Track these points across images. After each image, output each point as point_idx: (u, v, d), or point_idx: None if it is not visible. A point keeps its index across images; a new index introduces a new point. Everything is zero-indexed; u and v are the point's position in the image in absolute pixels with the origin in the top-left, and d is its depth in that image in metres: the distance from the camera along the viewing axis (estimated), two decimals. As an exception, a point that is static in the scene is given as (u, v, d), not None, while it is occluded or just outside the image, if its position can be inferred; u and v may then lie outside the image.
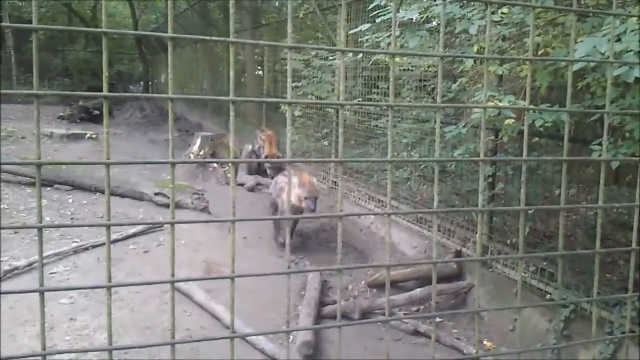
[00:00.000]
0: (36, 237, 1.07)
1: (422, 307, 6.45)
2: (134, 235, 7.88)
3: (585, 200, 6.21)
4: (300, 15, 11.69)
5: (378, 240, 8.16)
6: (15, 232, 7.23)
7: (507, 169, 6.49)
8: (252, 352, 5.25)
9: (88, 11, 30.97)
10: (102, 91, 1.13)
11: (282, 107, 10.85)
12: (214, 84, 21.03)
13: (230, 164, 1.29)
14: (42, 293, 1.06)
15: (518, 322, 1.51)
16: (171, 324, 1.24)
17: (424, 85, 8.73)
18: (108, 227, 1.11)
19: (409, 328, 5.93)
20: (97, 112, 18.19)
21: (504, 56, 5.52)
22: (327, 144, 11.00)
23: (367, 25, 5.81)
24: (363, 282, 7.09)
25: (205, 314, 5.91)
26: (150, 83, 33.24)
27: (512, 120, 4.94)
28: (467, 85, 6.12)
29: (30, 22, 1.11)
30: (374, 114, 9.35)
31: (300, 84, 10.87)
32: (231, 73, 1.25)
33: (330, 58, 9.96)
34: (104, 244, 6.95)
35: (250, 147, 13.45)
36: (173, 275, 1.21)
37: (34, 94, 1.04)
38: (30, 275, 6.36)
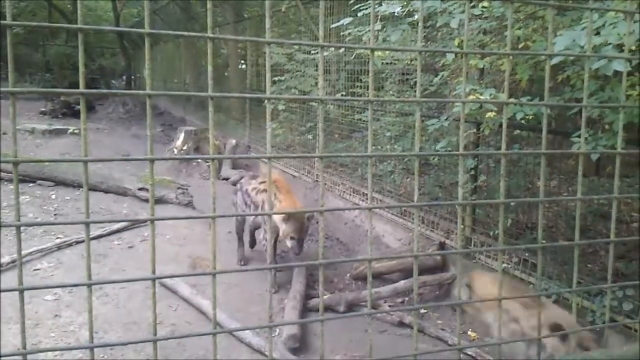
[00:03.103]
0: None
1: (406, 298, 6.49)
2: (118, 230, 7.84)
3: (567, 192, 6.28)
4: (283, 9, 11.65)
5: (362, 233, 8.19)
6: (-3, 229, 7.15)
7: (489, 161, 6.54)
8: (239, 345, 5.26)
9: (69, 5, 30.58)
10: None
11: (265, 101, 10.70)
12: (197, 78, 20.92)
13: (211, 160, 1.29)
14: (21, 292, 1.06)
15: (499, 313, 1.54)
16: (153, 320, 1.25)
17: (407, 79, 8.74)
18: (87, 224, 1.12)
19: (394, 319, 5.97)
20: (79, 107, 17.91)
21: (483, 50, 5.55)
22: (311, 137, 10.99)
23: (348, 19, 5.81)
24: (348, 275, 7.12)
25: (191, 309, 5.91)
26: (132, 77, 32.95)
27: (494, 113, 4.97)
28: (448, 78, 6.14)
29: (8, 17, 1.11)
30: (357, 107, 9.36)
31: (283, 78, 10.83)
32: (209, 69, 1.25)
33: (313, 52, 9.95)
34: (87, 240, 6.92)
35: (234, 141, 13.41)
36: (154, 273, 1.21)
37: (10, 92, 1.04)
38: (13, 272, 6.32)
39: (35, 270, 6.51)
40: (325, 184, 9.35)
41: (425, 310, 6.22)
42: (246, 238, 7.49)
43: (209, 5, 1.23)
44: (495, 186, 6.53)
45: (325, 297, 6.15)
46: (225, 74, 17.49)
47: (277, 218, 6.51)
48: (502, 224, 1.61)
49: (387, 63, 8.66)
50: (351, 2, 6.42)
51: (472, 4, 4.92)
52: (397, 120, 8.48)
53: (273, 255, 7.05)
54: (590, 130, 4.55)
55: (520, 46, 5.02)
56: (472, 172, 6.49)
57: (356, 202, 8.78)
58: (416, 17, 5.54)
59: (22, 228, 1.07)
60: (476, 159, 6.32)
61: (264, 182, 7.11)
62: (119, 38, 30.88)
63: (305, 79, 10.60)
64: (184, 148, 13.06)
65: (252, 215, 1.66)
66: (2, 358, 1.12)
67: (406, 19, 5.68)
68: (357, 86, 9.37)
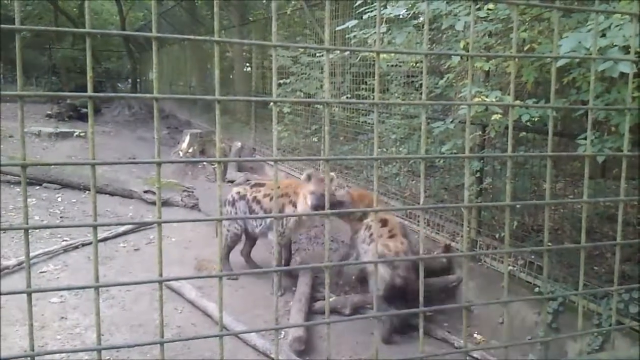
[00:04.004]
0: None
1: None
2: (124, 233, 7.88)
3: (573, 194, 6.26)
4: (288, 12, 11.67)
5: (368, 235, 8.18)
6: (4, 232, 7.20)
7: (495, 163, 6.52)
8: (244, 348, 5.26)
9: (75, 9, 30.68)
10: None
11: (270, 104, 10.65)
12: (202, 81, 20.95)
13: (217, 163, 1.29)
14: (29, 294, 1.07)
15: (506, 316, 1.53)
16: (160, 322, 1.25)
17: (412, 81, 8.74)
18: (95, 227, 1.12)
19: (399, 322, 5.97)
20: (85, 110, 18.07)
21: (489, 53, 5.54)
22: (316, 140, 11.00)
23: (354, 22, 5.82)
24: (354, 277, 7.11)
25: (196, 311, 5.92)
26: (138, 80, 33.03)
27: (499, 116, 4.96)
28: (454, 81, 6.14)
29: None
30: (362, 110, 9.36)
31: (288, 81, 10.85)
32: (216, 72, 1.26)
33: (318, 55, 9.96)
34: (93, 242, 6.95)
35: (239, 144, 13.42)
36: (161, 275, 1.22)
37: (18, 95, 1.05)
38: (20, 275, 6.34)
39: (41, 272, 6.53)
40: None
41: (431, 313, 6.21)
42: (240, 247, 7.24)
43: (215, 9, 1.24)
44: (501, 188, 6.52)
45: (331, 299, 6.15)
46: (231, 76, 17.52)
47: (302, 205, 6.41)
48: (507, 227, 1.61)
49: (392, 65, 8.66)
50: (356, 4, 6.42)
51: (478, 6, 4.92)
52: (402, 123, 8.48)
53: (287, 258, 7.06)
54: (597, 132, 4.53)
55: (525, 48, 5.01)
56: (478, 175, 6.47)
57: (361, 204, 8.77)
58: (421, 19, 5.54)
59: (29, 231, 1.08)
60: (482, 161, 6.31)
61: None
62: (125, 41, 30.98)
63: (311, 81, 10.61)
64: (190, 151, 13.08)
65: (263, 217, 1.66)
66: (10, 360, 1.13)
67: (411, 21, 5.68)
68: (362, 89, 9.37)
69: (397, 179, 8.34)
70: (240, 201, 7.00)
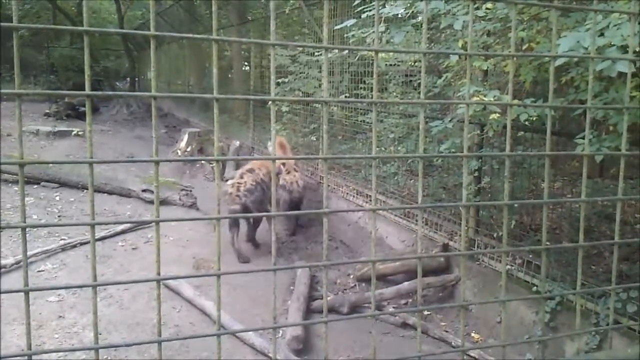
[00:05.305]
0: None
1: (410, 300, 6.49)
2: (122, 232, 7.87)
3: (571, 193, 6.27)
4: (287, 11, 11.66)
5: (366, 234, 8.19)
6: (2, 230, 7.19)
7: (493, 162, 6.53)
8: (242, 347, 5.26)
9: (73, 7, 30.60)
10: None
11: (269, 103, 10.59)
12: (201, 80, 20.93)
13: (215, 162, 1.29)
14: (26, 293, 1.07)
15: (503, 315, 1.53)
16: (158, 321, 1.25)
17: (410, 81, 8.74)
18: (92, 226, 1.12)
19: (397, 321, 5.97)
20: (83, 108, 17.99)
21: (487, 52, 5.54)
22: (314, 139, 10.99)
23: (352, 21, 5.81)
24: (352, 276, 7.11)
25: (194, 310, 5.92)
26: (136, 79, 32.98)
27: (497, 115, 4.97)
28: (452, 80, 6.14)
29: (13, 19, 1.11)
30: (361, 109, 9.36)
31: (287, 80, 10.84)
32: (214, 71, 1.26)
33: (317, 54, 9.96)
34: (91, 241, 6.96)
35: (237, 142, 13.41)
36: (159, 274, 1.21)
37: (16, 94, 1.04)
38: (17, 274, 6.34)
39: (39, 271, 6.53)
40: (329, 185, 9.35)
41: (428, 312, 6.22)
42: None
43: (214, 7, 1.24)
44: (499, 187, 6.52)
45: (328, 298, 6.16)
46: (229, 75, 17.51)
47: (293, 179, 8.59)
48: (506, 226, 1.61)
49: (390, 65, 8.66)
50: (355, 3, 6.42)
51: (476, 5, 4.92)
52: (400, 122, 8.48)
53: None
54: (595, 131, 4.53)
55: (524, 48, 5.01)
56: (476, 174, 6.47)
57: (360, 203, 8.77)
58: (420, 18, 5.54)
59: (26, 229, 1.07)
60: (480, 160, 6.31)
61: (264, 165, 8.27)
62: (123, 40, 30.92)
63: (309, 80, 10.60)
64: (188, 150, 13.07)
65: (258, 216, 1.66)
66: (7, 359, 1.13)
67: (410, 20, 5.68)
68: (361, 88, 9.37)
69: (395, 178, 8.34)
70: (260, 186, 8.02)
